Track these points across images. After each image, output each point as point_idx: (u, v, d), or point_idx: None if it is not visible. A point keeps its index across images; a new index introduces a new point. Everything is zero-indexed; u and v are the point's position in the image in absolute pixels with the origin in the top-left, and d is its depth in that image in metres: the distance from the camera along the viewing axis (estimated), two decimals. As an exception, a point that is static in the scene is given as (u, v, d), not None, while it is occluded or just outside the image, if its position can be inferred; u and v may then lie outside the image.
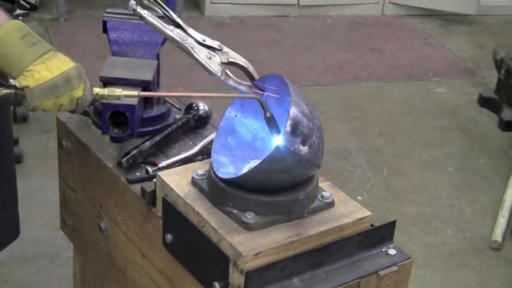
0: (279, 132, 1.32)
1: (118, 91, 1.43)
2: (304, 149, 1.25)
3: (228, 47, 1.43)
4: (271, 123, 1.33)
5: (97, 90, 1.43)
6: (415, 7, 5.38)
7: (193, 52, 1.38)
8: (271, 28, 4.93)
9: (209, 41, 1.41)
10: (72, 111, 1.42)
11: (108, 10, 1.77)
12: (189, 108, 1.71)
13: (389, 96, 4.22)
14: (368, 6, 5.34)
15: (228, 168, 1.36)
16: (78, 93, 1.38)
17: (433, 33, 5.15)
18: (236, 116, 1.40)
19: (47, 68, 1.35)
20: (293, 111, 1.24)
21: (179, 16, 1.45)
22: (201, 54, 1.39)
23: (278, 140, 1.28)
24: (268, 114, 1.34)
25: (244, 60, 1.42)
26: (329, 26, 5.10)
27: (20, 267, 2.65)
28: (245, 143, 1.40)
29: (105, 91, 1.43)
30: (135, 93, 1.45)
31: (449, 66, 4.68)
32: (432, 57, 4.78)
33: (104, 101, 1.52)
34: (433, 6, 5.36)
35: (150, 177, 1.49)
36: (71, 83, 1.37)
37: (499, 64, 3.69)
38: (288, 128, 1.23)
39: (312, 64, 4.49)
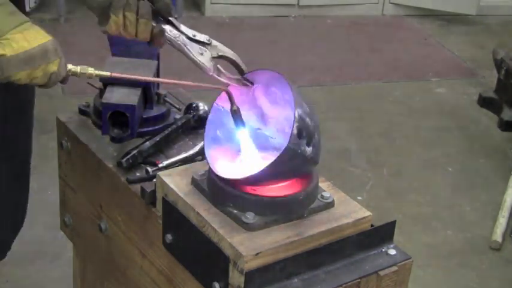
0: (243, 125, 1.35)
1: (90, 69, 1.42)
2: (309, 150, 1.26)
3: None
4: (237, 116, 1.35)
5: (70, 66, 1.42)
6: (415, 7, 5.38)
7: (186, 50, 1.39)
8: (271, 28, 4.93)
9: (198, 36, 1.41)
10: (44, 85, 1.40)
11: (108, 10, 1.76)
12: (189, 108, 1.71)
13: (389, 96, 4.22)
14: (368, 7, 5.34)
15: (222, 162, 1.36)
16: (53, 67, 1.36)
17: (433, 33, 5.15)
18: (223, 108, 1.39)
19: (24, 38, 1.33)
20: (298, 113, 1.24)
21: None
22: (194, 51, 1.39)
23: (242, 133, 1.34)
24: (234, 107, 1.35)
25: (232, 53, 1.42)
26: (329, 26, 5.10)
27: (20, 267, 2.65)
28: (233, 134, 1.40)
29: (78, 68, 1.42)
30: (107, 73, 1.44)
31: (449, 67, 4.69)
32: (432, 58, 4.78)
33: (104, 101, 1.52)
34: (433, 7, 5.37)
35: (150, 177, 1.49)
36: (47, 56, 1.35)
37: (499, 64, 3.69)
38: (295, 131, 1.23)
39: (312, 64, 4.49)
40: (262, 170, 1.25)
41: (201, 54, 1.39)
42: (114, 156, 1.59)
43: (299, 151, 1.24)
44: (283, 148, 1.24)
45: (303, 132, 1.24)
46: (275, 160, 1.24)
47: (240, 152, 1.39)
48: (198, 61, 1.38)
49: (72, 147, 1.71)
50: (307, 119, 1.26)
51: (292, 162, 1.26)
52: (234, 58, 1.41)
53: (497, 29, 5.32)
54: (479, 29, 5.31)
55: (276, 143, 1.38)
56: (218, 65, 1.39)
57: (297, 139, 1.24)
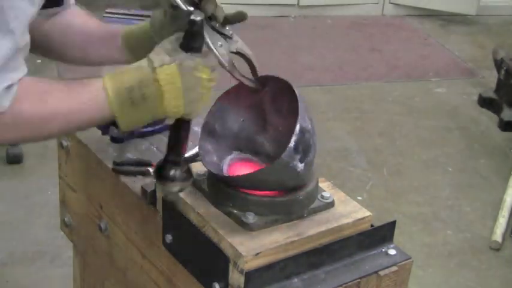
0: None
1: None
2: (300, 166, 1.26)
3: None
4: None
5: None
6: (415, 7, 5.39)
7: (207, 38, 1.35)
8: (271, 28, 4.93)
9: (223, 28, 1.37)
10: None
11: (108, 10, 1.77)
12: None
13: (389, 96, 4.23)
14: (368, 7, 5.35)
15: (213, 157, 1.36)
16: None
17: (433, 34, 5.15)
18: (226, 103, 1.39)
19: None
20: (300, 127, 1.24)
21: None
22: (214, 41, 1.34)
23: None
24: None
25: (251, 52, 1.39)
26: (329, 26, 5.10)
27: (20, 267, 2.65)
28: (231, 132, 1.40)
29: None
30: None
31: (449, 67, 4.69)
32: (432, 58, 4.78)
33: None
34: (433, 7, 5.37)
35: (142, 172, 1.49)
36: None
37: (499, 64, 3.69)
38: (292, 144, 1.23)
39: (312, 64, 4.49)
40: (249, 175, 1.26)
41: (220, 46, 1.36)
42: (114, 156, 1.59)
43: (291, 165, 1.25)
44: (277, 158, 1.24)
45: (300, 147, 1.24)
46: (266, 168, 1.25)
47: (234, 151, 1.39)
48: (216, 53, 1.35)
49: (72, 147, 1.71)
50: (307, 136, 1.26)
51: (281, 174, 1.26)
52: (250, 58, 1.39)
53: (497, 29, 5.33)
54: (479, 29, 5.31)
55: (269, 150, 1.38)
56: (233, 61, 1.36)
57: (293, 153, 1.24)
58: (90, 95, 1.20)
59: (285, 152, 1.23)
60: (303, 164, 1.26)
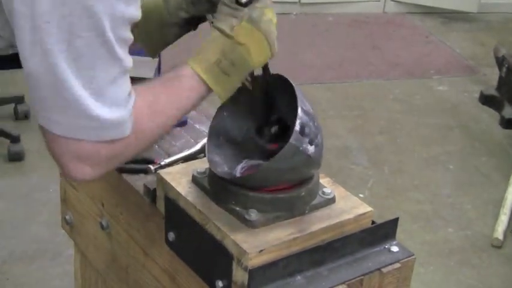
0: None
1: None
2: (311, 149, 1.25)
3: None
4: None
5: None
6: (416, 4, 5.38)
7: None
8: (272, 26, 4.92)
9: None
10: None
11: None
12: None
13: (390, 94, 4.22)
14: (369, 4, 5.34)
15: (223, 167, 1.35)
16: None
17: (434, 31, 5.15)
18: (226, 114, 1.39)
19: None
20: (301, 110, 1.24)
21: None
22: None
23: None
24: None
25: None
26: (330, 24, 5.10)
27: (20, 265, 2.65)
28: (236, 142, 1.40)
29: None
30: None
31: (451, 64, 4.68)
32: (433, 55, 4.78)
33: None
34: (434, 4, 5.37)
35: (144, 170, 1.49)
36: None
37: (500, 62, 3.69)
38: (297, 128, 1.23)
39: (313, 62, 4.49)
40: (263, 169, 1.25)
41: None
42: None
43: (301, 148, 1.24)
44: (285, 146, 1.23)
45: (306, 130, 1.24)
46: (277, 156, 1.24)
47: (243, 159, 1.39)
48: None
49: (73, 145, 1.71)
50: (310, 118, 1.26)
51: (293, 160, 1.25)
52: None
53: (498, 27, 5.32)
54: (481, 26, 5.31)
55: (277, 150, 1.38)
56: None
57: (300, 136, 1.23)
58: (187, 85, 1.26)
59: (292, 135, 1.22)
60: (313, 147, 1.25)
